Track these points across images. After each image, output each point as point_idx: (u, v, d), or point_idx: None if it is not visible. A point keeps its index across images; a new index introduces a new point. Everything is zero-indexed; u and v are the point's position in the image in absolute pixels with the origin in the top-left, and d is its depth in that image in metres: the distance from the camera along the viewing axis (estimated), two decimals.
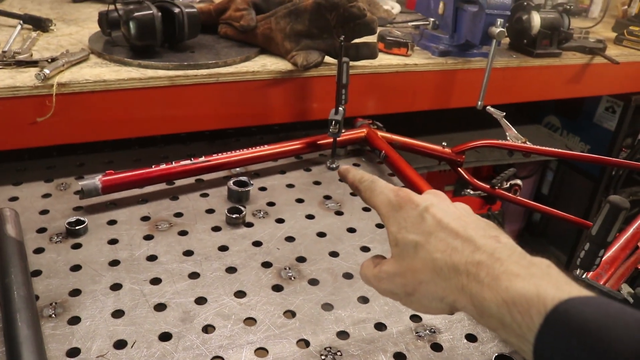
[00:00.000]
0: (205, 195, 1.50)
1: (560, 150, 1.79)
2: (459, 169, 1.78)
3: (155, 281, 1.17)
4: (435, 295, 0.66)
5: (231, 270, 1.23)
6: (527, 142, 1.77)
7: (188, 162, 1.49)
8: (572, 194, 3.63)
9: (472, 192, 1.89)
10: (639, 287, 0.98)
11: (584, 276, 1.02)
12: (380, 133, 1.78)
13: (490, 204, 3.15)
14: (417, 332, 1.12)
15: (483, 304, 0.58)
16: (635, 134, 3.18)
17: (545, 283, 0.55)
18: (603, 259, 1.31)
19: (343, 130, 1.70)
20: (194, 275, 1.20)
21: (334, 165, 1.68)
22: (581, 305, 0.51)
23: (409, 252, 0.69)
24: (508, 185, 1.78)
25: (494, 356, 1.06)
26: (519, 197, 1.78)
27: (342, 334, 1.09)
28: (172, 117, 1.59)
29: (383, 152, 1.67)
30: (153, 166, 1.46)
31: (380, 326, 1.12)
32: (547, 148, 1.75)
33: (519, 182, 1.77)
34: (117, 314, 1.08)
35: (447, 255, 0.64)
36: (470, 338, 1.13)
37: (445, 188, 2.82)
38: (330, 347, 1.05)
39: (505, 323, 0.56)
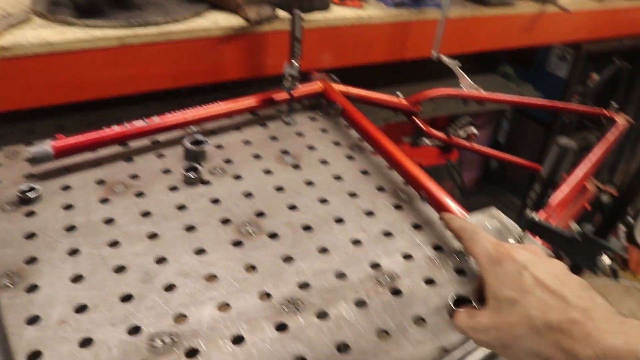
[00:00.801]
0: (161, 155, 1.48)
1: (513, 97, 1.82)
2: (415, 118, 1.79)
3: (114, 244, 1.16)
4: (531, 351, 0.68)
5: (190, 228, 1.23)
6: (481, 91, 1.79)
7: (142, 123, 1.46)
8: (526, 141, 3.71)
9: (428, 141, 1.90)
10: (585, 224, 1.01)
11: (534, 216, 1.04)
12: (336, 86, 1.77)
13: (447, 154, 3.20)
14: (377, 279, 1.14)
15: (578, 357, 0.61)
16: (585, 81, 3.24)
17: (636, 338, 0.59)
18: (555, 201, 1.35)
19: (298, 85, 1.69)
20: (152, 236, 1.19)
21: (290, 120, 1.68)
22: None
23: (505, 307, 0.72)
24: (464, 133, 1.81)
25: (451, 297, 1.08)
26: (474, 145, 1.81)
27: (304, 285, 1.11)
28: (123, 78, 1.55)
29: (339, 104, 1.67)
30: (105, 128, 1.43)
31: (340, 275, 1.14)
32: (500, 95, 1.77)
33: (474, 130, 1.79)
34: (77, 279, 1.07)
35: (542, 313, 0.67)
36: (429, 282, 1.15)
37: (403, 139, 2.84)
38: (293, 298, 1.07)
39: None
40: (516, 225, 1.13)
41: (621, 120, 1.78)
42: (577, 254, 1.00)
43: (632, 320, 0.63)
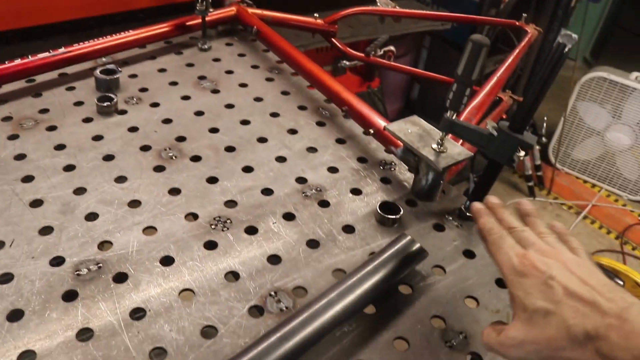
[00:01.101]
0: (71, 88, 1.40)
1: (429, 12, 1.82)
2: (333, 39, 1.77)
3: (27, 179, 1.11)
4: None
5: (108, 158, 1.18)
6: (397, 7, 1.78)
7: (47, 54, 1.38)
8: (446, 68, 3.76)
9: (347, 62, 1.89)
10: (500, 121, 1.04)
11: (454, 117, 1.06)
12: (250, 10, 1.72)
13: (368, 81, 3.20)
14: (303, 192, 1.14)
15: None
16: (498, 5, 3.30)
17: None
18: (472, 105, 1.37)
19: (212, 10, 1.63)
20: (69, 168, 1.15)
21: (206, 46, 1.62)
22: None
23: (538, 319, 0.69)
24: (382, 52, 1.80)
25: (378, 204, 1.10)
26: (393, 63, 1.81)
27: (230, 203, 1.10)
28: (21, 9, 1.45)
29: (255, 27, 1.62)
30: (7, 62, 1.34)
31: (267, 191, 1.13)
32: (416, 11, 1.77)
33: (392, 48, 1.79)
34: None
35: (579, 322, 0.65)
36: (355, 192, 1.17)
37: (323, 68, 2.81)
38: (220, 217, 1.06)
39: None
40: (436, 130, 1.14)
41: (531, 30, 1.83)
42: (494, 150, 1.03)
43: None
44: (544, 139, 4.18)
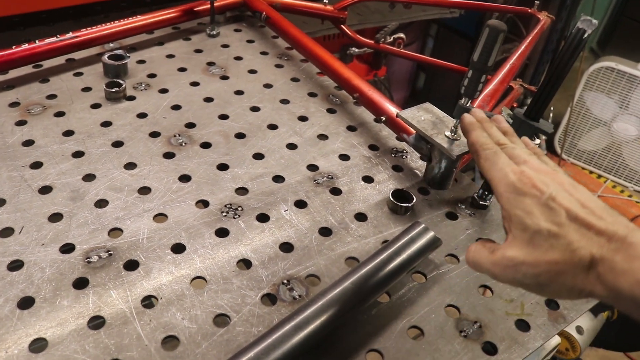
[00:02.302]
0: (79, 74, 1.39)
1: None
2: (343, 26, 1.75)
3: (36, 165, 1.10)
4: (573, 287, 0.63)
5: (118, 144, 1.17)
6: None
7: (54, 39, 1.36)
8: (452, 57, 3.74)
9: (356, 50, 1.87)
10: (516, 108, 1.02)
11: (468, 104, 1.04)
12: None
13: (375, 70, 3.18)
14: (315, 180, 1.13)
15: (618, 287, 0.58)
16: None
17: None
18: (484, 92, 1.36)
19: None
20: (78, 154, 1.13)
21: (214, 32, 1.61)
22: None
23: (541, 241, 0.64)
24: (392, 39, 1.78)
25: (391, 192, 1.09)
26: (402, 50, 1.79)
27: (241, 190, 1.08)
28: None
29: (264, 13, 1.61)
30: (14, 47, 1.32)
31: (278, 179, 1.12)
32: None
33: (402, 35, 1.77)
34: None
35: (585, 245, 0.62)
36: (367, 179, 1.15)
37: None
38: (231, 204, 1.05)
39: (639, 303, 0.57)
40: (450, 117, 1.13)
41: (544, 18, 1.80)
42: None
43: None
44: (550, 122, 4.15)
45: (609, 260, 0.59)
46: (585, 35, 0.88)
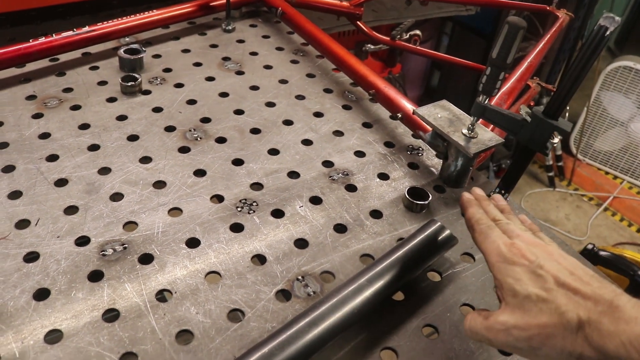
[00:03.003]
0: (95, 68, 1.39)
1: None
2: (358, 22, 1.74)
3: (52, 158, 1.10)
4: (564, 350, 0.64)
5: (133, 138, 1.17)
6: None
7: (70, 33, 1.37)
8: (467, 55, 3.71)
9: (372, 46, 1.86)
10: (534, 107, 1.01)
11: (486, 102, 1.03)
12: None
13: (390, 67, 3.16)
14: (330, 176, 1.12)
15: (605, 349, 0.60)
16: None
17: None
18: (502, 90, 1.34)
19: None
20: (93, 147, 1.14)
21: (230, 27, 1.60)
22: None
23: (531, 305, 0.67)
24: (407, 36, 1.77)
25: (406, 189, 1.08)
26: (418, 47, 1.78)
27: (256, 186, 1.08)
28: None
29: (280, 9, 1.60)
30: (31, 40, 1.32)
31: (293, 174, 1.12)
32: None
33: (418, 32, 1.75)
34: (14, 195, 1.01)
35: (572, 308, 0.64)
36: (382, 177, 1.15)
37: None
38: (245, 199, 1.04)
39: None
40: (466, 114, 1.12)
41: (562, 15, 1.78)
42: (527, 137, 1.00)
43: None
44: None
45: (596, 322, 0.61)
46: (608, 33, 0.87)
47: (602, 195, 3.94)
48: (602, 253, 2.59)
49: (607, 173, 4.09)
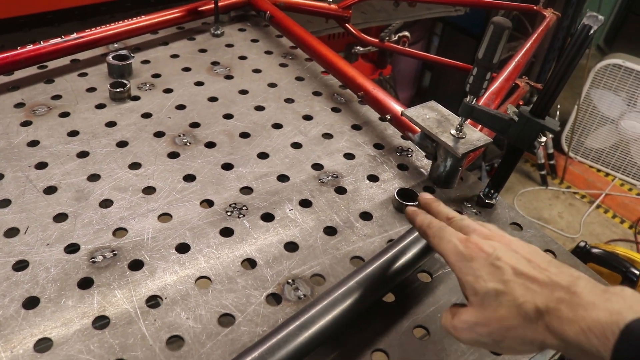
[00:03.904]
0: (83, 74, 1.39)
1: None
2: (347, 25, 1.75)
3: (41, 165, 1.10)
4: (525, 339, 0.65)
5: (122, 144, 1.17)
6: None
7: (58, 40, 1.36)
8: (458, 55, 3.73)
9: (361, 48, 1.86)
10: (521, 106, 1.02)
11: (473, 102, 1.04)
12: None
13: (381, 69, 3.17)
14: (320, 179, 1.12)
15: (564, 336, 0.60)
16: None
17: (618, 306, 0.58)
18: (490, 90, 1.35)
19: None
20: (82, 154, 1.13)
21: (219, 32, 1.60)
22: None
23: (490, 300, 0.68)
24: (396, 37, 1.77)
25: (396, 191, 1.08)
26: (407, 49, 1.78)
27: (246, 190, 1.08)
28: None
29: (268, 12, 1.60)
30: (19, 48, 1.32)
31: (283, 178, 1.12)
32: None
33: (407, 33, 1.76)
34: (3, 203, 1.01)
35: (529, 298, 0.65)
36: (372, 178, 1.15)
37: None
38: (235, 204, 1.04)
39: (585, 349, 0.58)
40: (454, 115, 1.12)
41: (549, 15, 1.79)
42: (515, 136, 1.01)
43: (614, 288, 0.62)
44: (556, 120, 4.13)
45: (555, 310, 0.62)
46: (592, 32, 0.88)
47: (594, 193, 3.96)
48: (594, 250, 2.60)
49: (598, 170, 4.11)
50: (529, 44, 1.55)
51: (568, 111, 4.06)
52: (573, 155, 4.16)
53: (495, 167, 3.76)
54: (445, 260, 0.77)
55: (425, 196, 0.92)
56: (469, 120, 1.08)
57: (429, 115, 1.13)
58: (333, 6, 1.74)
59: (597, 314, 0.58)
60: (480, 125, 1.12)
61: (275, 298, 0.89)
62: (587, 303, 0.60)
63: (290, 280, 0.91)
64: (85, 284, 0.88)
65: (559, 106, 3.89)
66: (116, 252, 0.93)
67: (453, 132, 1.08)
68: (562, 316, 0.61)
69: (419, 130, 1.13)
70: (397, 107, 1.23)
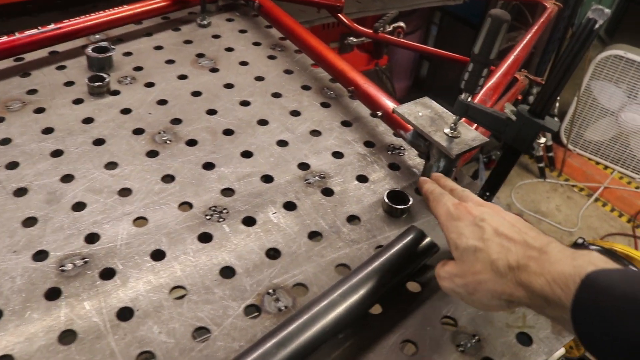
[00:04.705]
0: (62, 67, 1.33)
1: None
2: (339, 15, 1.68)
3: (12, 165, 1.04)
4: (494, 293, 0.72)
5: (99, 142, 1.11)
6: None
7: (35, 31, 1.30)
8: (456, 45, 3.65)
9: (354, 39, 1.80)
10: (520, 105, 0.96)
11: (469, 100, 0.98)
12: None
13: (377, 59, 3.10)
14: (306, 180, 1.07)
15: (531, 287, 0.66)
16: None
17: (581, 262, 0.63)
18: (487, 86, 1.29)
19: None
20: (56, 153, 1.08)
21: (205, 22, 1.54)
22: (609, 273, 0.60)
23: (469, 256, 0.75)
24: (391, 28, 1.71)
25: (386, 193, 1.03)
26: (402, 40, 1.72)
27: (227, 191, 1.02)
28: None
29: (257, 2, 1.54)
30: None
31: (267, 178, 1.06)
32: None
33: (402, 24, 1.69)
34: None
35: (503, 256, 0.71)
36: (361, 179, 1.09)
37: (330, 45, 2.72)
38: (215, 206, 0.99)
39: (549, 299, 0.64)
40: (449, 112, 1.06)
41: (551, 5, 1.73)
42: (513, 136, 0.95)
43: (583, 251, 0.66)
44: (556, 119, 4.07)
45: (524, 266, 0.68)
46: (597, 26, 0.82)
47: (592, 186, 3.90)
48: (592, 247, 2.55)
49: (597, 163, 4.05)
50: (529, 36, 1.49)
51: (568, 102, 3.99)
52: (572, 147, 4.10)
53: (493, 159, 3.70)
54: (438, 223, 0.83)
55: (436, 174, 0.98)
56: (464, 118, 1.02)
57: (422, 112, 1.07)
58: None
59: (562, 267, 0.64)
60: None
61: (254, 309, 0.84)
62: (555, 260, 0.66)
63: (270, 290, 0.86)
64: (53, 294, 0.83)
65: (558, 97, 3.82)
66: (87, 259, 0.88)
67: (447, 130, 1.03)
68: (530, 270, 0.67)
69: (412, 128, 1.07)
70: (389, 103, 1.17)
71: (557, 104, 3.93)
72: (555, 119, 3.05)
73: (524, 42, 1.46)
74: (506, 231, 0.74)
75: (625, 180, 3.94)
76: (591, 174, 3.98)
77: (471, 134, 1.03)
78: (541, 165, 3.95)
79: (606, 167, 4.03)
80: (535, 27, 1.53)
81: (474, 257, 0.74)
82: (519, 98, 1.65)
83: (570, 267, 0.63)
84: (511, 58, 1.39)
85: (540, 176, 3.97)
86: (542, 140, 0.94)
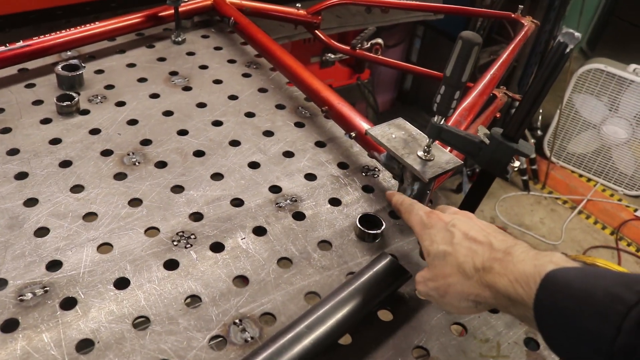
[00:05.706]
0: (30, 85, 1.30)
1: (419, 3, 1.71)
2: (317, 31, 1.67)
3: None
4: (462, 295, 0.74)
5: (65, 164, 1.08)
6: None
7: (3, 48, 1.27)
8: (439, 59, 3.66)
9: (332, 55, 1.79)
10: (493, 128, 0.94)
11: (442, 122, 0.96)
12: (228, 0, 1.61)
13: (358, 73, 3.09)
14: (277, 203, 1.04)
15: (496, 287, 0.69)
16: None
17: (543, 261, 0.66)
18: (462, 106, 1.28)
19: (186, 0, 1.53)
20: (21, 176, 1.05)
21: (180, 39, 1.52)
22: (568, 271, 0.63)
23: (440, 260, 0.78)
24: (369, 45, 1.69)
25: (358, 217, 1.01)
26: (380, 56, 1.71)
27: (196, 215, 1.00)
28: None
29: (232, 18, 1.52)
30: None
31: (237, 202, 1.04)
32: (405, 1, 1.66)
33: (379, 40, 1.68)
34: None
35: (470, 258, 0.75)
36: (334, 202, 1.07)
37: (311, 60, 2.71)
38: (183, 232, 0.96)
39: (513, 298, 0.67)
40: (423, 134, 1.05)
41: (528, 23, 1.72)
42: (486, 160, 0.94)
43: (546, 252, 0.69)
44: (539, 132, 4.09)
45: (489, 267, 0.71)
46: (568, 50, 0.81)
47: (576, 198, 3.91)
48: None
49: (580, 176, 4.06)
50: (505, 55, 1.48)
51: (550, 115, 4.01)
52: (555, 160, 4.11)
53: (477, 171, 3.70)
54: (414, 232, 0.87)
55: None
56: (437, 140, 1.00)
57: (395, 134, 1.05)
58: (301, 12, 1.66)
59: (524, 267, 0.67)
60: None
61: (220, 341, 0.81)
62: (517, 260, 0.69)
63: (237, 320, 0.83)
64: (10, 326, 0.80)
65: (541, 110, 3.84)
66: (48, 288, 0.85)
67: (420, 153, 1.01)
68: (494, 271, 0.70)
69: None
70: (363, 124, 1.15)
71: (540, 117, 3.94)
72: (539, 132, 3.04)
73: (501, 60, 1.45)
74: (475, 235, 0.77)
75: (608, 193, 3.95)
76: (574, 187, 3.99)
77: (445, 157, 1.02)
78: (525, 178, 3.96)
79: (589, 180, 4.04)
80: (512, 46, 1.52)
81: (444, 261, 0.77)
82: (498, 116, 1.64)
83: (532, 266, 0.66)
84: (487, 77, 1.37)
85: (524, 189, 3.98)
86: (517, 164, 0.93)
